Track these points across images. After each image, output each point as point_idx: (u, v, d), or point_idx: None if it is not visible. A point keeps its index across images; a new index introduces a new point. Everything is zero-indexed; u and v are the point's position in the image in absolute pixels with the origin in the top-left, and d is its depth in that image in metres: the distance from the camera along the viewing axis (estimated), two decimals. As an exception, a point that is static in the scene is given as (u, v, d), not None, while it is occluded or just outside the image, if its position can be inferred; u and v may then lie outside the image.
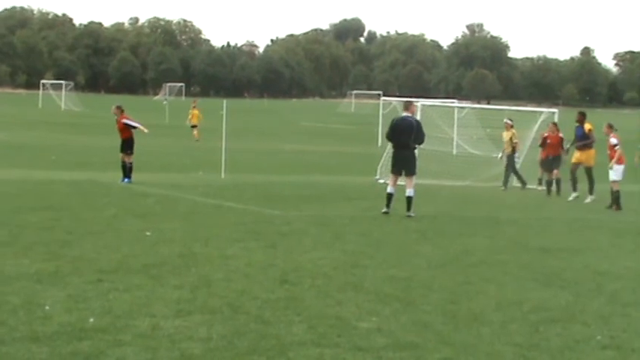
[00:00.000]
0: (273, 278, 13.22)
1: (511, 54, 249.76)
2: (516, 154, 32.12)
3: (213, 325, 10.35)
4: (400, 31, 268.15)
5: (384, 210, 21.79)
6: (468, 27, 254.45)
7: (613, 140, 26.53)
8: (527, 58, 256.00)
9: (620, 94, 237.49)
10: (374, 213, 21.87)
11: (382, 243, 17.45)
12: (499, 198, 28.71)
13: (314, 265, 14.43)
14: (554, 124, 31.24)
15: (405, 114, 22.52)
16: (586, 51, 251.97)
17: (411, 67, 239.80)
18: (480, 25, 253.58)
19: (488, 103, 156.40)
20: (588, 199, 27.74)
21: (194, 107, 58.62)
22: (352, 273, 13.99)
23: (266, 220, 20.11)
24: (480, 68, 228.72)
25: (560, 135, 30.28)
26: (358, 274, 13.87)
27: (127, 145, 27.92)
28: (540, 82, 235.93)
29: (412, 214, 21.66)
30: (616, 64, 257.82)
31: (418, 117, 32.26)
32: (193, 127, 56.75)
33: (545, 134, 30.89)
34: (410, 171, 22.21)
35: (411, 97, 51.84)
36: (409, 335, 10.34)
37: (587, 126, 28.25)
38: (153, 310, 10.91)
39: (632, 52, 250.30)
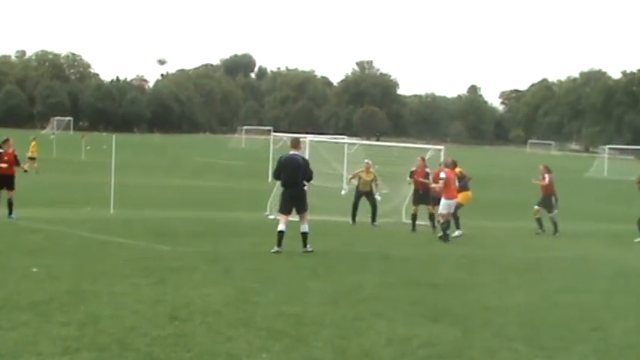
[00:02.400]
0: (162, 314, 13.09)
1: (400, 91, 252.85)
2: (377, 194, 32.38)
3: (101, 362, 10.19)
4: (291, 67, 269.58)
5: (275, 249, 21.60)
6: (357, 64, 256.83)
7: (442, 174, 27.51)
8: (415, 96, 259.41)
9: (506, 132, 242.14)
10: (264, 249, 21.83)
11: (273, 279, 17.42)
12: (389, 234, 28.93)
13: (204, 301, 14.33)
14: (422, 158, 31.80)
15: (292, 152, 22.62)
16: (473, 89, 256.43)
17: (302, 103, 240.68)
18: (370, 62, 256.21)
19: (378, 140, 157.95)
20: (456, 233, 28.31)
21: (34, 139, 58.26)
22: (243, 309, 13.92)
23: (156, 255, 19.93)
24: (370, 105, 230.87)
25: (427, 170, 30.85)
26: (249, 310, 13.82)
27: (11, 181, 27.49)
28: (429, 119, 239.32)
29: (310, 249, 21.82)
30: (502, 103, 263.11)
31: (307, 153, 32.54)
32: (32, 159, 56.02)
33: (413, 168, 31.42)
34: (301, 208, 22.33)
35: (301, 133, 52.13)
36: (300, 371, 10.32)
37: (457, 170, 29.17)
38: (39, 348, 10.70)
39: (517, 91, 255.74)
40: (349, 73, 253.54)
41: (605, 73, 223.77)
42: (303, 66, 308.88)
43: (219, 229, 26.68)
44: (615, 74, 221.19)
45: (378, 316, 13.95)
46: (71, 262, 18.11)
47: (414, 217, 30.53)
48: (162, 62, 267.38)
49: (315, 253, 21.73)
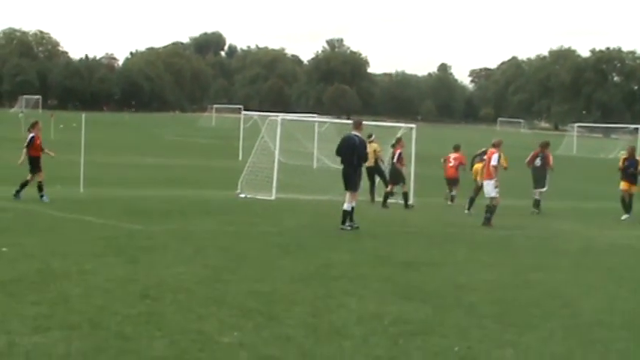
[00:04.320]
0: (133, 293, 13.06)
1: (370, 69, 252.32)
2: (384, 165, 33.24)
3: (72, 341, 10.16)
4: (261, 46, 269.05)
5: (353, 226, 22.89)
6: (328, 42, 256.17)
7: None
8: (385, 74, 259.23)
9: (476, 110, 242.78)
10: (235, 227, 21.83)
11: (244, 257, 17.41)
12: (360, 212, 28.95)
13: (175, 280, 14.30)
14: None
15: (353, 132, 23.33)
16: (443, 67, 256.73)
17: (272, 81, 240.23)
18: (340, 40, 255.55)
19: (349, 118, 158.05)
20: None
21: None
22: (214, 287, 13.91)
23: (127, 234, 19.85)
24: (340, 83, 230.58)
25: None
26: (220, 289, 13.80)
27: (39, 163, 27.62)
28: (399, 97, 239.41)
29: (347, 227, 22.76)
30: (472, 81, 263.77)
31: (278, 132, 32.60)
32: None
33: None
34: (347, 186, 23.20)
35: (271, 111, 51.97)
36: (271, 349, 10.33)
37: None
38: (9, 327, 10.66)
39: (487, 69, 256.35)
40: (319, 52, 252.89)
41: (574, 52, 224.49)
42: (274, 44, 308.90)
43: (190, 208, 26.62)
44: (584, 52, 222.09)
45: (349, 294, 13.97)
46: (41, 241, 18.01)
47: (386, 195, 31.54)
48: None
49: (285, 231, 21.77)
